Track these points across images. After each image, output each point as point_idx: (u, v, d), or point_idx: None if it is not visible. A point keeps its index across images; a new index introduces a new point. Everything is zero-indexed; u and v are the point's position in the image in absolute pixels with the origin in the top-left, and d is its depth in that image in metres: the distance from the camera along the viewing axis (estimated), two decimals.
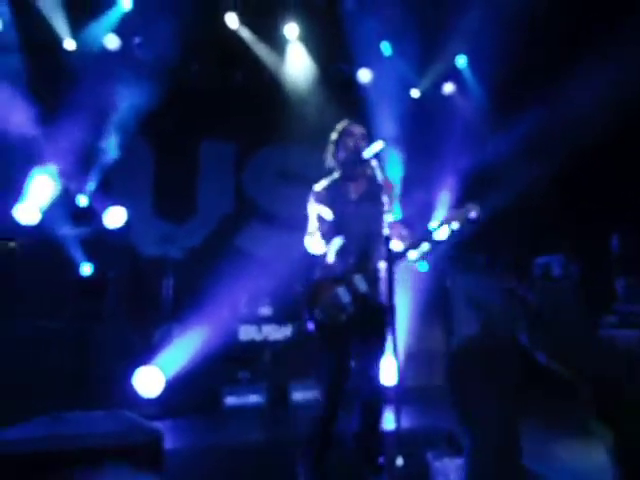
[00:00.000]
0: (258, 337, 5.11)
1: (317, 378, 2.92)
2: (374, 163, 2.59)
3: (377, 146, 2.60)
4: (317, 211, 2.72)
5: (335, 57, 6.17)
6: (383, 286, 2.63)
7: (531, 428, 3.85)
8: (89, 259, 5.14)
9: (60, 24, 5.34)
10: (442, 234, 2.68)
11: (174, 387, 4.54)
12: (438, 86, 6.54)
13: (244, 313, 5.18)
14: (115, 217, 5.44)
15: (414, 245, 2.66)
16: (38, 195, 5.09)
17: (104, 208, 5.42)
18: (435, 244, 2.70)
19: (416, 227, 2.85)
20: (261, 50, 6.00)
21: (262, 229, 6.21)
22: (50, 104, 5.20)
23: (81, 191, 5.39)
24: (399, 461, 2.24)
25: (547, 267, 6.75)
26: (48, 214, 5.08)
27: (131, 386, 4.44)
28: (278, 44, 6.04)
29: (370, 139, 2.77)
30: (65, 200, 5.27)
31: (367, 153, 2.60)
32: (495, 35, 5.13)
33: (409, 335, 5.14)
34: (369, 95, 6.17)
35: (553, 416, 4.13)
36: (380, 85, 6.22)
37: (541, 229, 6.17)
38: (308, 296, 2.63)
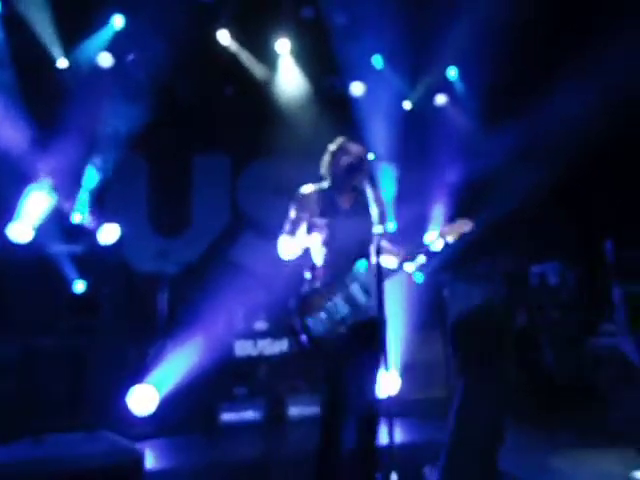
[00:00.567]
0: (254, 352, 5.05)
1: (318, 391, 2.86)
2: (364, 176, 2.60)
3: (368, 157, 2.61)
4: (304, 213, 2.68)
5: (327, 71, 6.22)
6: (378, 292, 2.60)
7: (531, 439, 3.82)
8: (82, 276, 5.12)
9: (53, 43, 5.38)
10: (437, 247, 2.70)
11: (169, 404, 4.48)
12: (430, 98, 6.58)
13: (240, 328, 5.14)
14: (109, 234, 5.42)
15: (410, 258, 2.66)
16: (31, 213, 5.08)
17: (98, 225, 5.41)
18: (430, 257, 2.70)
19: (411, 239, 2.85)
20: (253, 65, 6.05)
21: (257, 243, 6.19)
22: (43, 122, 5.23)
23: (74, 208, 5.38)
24: (394, 477, 2.20)
25: (543, 276, 6.76)
26: (41, 231, 5.07)
27: (125, 404, 4.38)
28: (270, 59, 6.09)
29: (352, 142, 2.78)
30: (58, 217, 5.26)
31: (350, 146, 2.67)
32: (485, 46, 5.18)
33: (406, 347, 5.09)
34: (362, 108, 6.20)
35: (552, 427, 4.09)
36: (372, 98, 6.26)
37: (538, 237, 6.17)
38: (300, 307, 2.58)
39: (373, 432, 2.56)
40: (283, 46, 6.01)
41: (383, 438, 2.56)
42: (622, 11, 4.79)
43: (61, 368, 4.45)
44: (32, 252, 4.95)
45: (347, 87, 6.34)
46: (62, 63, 5.46)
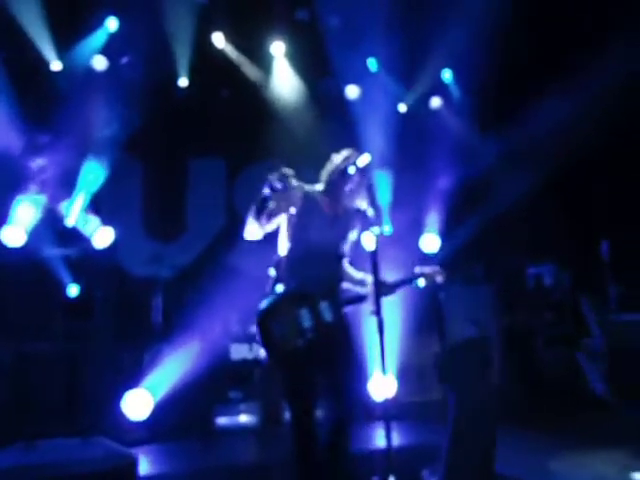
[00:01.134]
0: (249, 355, 5.03)
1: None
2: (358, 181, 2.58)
3: (363, 160, 2.58)
4: (282, 203, 2.61)
5: (322, 74, 6.22)
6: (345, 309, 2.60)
7: (528, 442, 3.81)
8: (76, 280, 5.07)
9: (46, 46, 5.35)
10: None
11: (164, 409, 4.45)
12: (425, 100, 6.60)
13: (235, 331, 5.11)
14: (103, 237, 5.38)
15: (382, 294, 2.52)
16: (24, 216, 5.04)
17: (91, 228, 5.37)
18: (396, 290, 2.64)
19: (407, 246, 2.83)
20: (248, 68, 6.05)
21: (253, 246, 6.15)
22: (37, 125, 5.19)
23: (68, 211, 5.34)
24: None
25: (539, 277, 6.77)
26: (34, 235, 5.03)
27: (120, 409, 4.34)
28: (265, 62, 6.08)
29: (359, 154, 2.73)
30: (51, 220, 5.22)
31: (352, 169, 2.57)
32: (479, 49, 5.19)
33: (402, 350, 5.08)
34: (357, 111, 6.20)
35: (549, 429, 4.08)
36: (367, 101, 6.27)
37: (533, 239, 6.19)
38: (264, 313, 2.50)
39: (341, 436, 2.50)
40: (278, 49, 6.01)
41: (380, 441, 2.54)
42: (618, 14, 4.82)
43: (55, 373, 4.41)
44: (25, 256, 4.91)
45: (342, 90, 6.34)
46: (56, 66, 5.43)
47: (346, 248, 2.71)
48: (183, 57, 5.70)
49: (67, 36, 5.38)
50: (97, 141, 5.47)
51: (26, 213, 5.04)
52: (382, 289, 2.48)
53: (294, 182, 2.61)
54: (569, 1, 5.29)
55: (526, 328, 5.74)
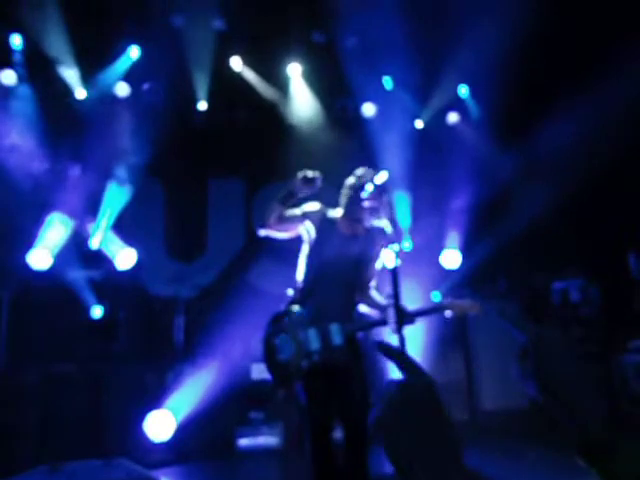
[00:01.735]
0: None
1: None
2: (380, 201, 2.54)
3: (381, 177, 2.56)
4: (305, 219, 2.63)
5: (338, 93, 6.28)
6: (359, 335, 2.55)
7: (560, 466, 3.68)
8: (100, 301, 5.15)
9: (72, 74, 5.54)
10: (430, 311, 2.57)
11: (186, 430, 4.44)
12: (442, 116, 6.59)
13: (256, 351, 5.09)
14: (126, 259, 5.47)
15: (403, 323, 2.45)
16: (51, 240, 5.16)
17: (115, 250, 5.47)
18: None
19: (428, 262, 2.78)
20: (265, 90, 6.14)
21: (272, 265, 6.19)
22: (62, 150, 5.35)
23: (92, 234, 5.45)
24: None
25: (565, 292, 6.59)
26: (60, 258, 5.14)
27: (143, 431, 4.35)
28: (282, 83, 6.18)
29: (375, 171, 2.72)
30: (76, 243, 5.34)
31: (370, 187, 2.54)
32: (495, 63, 5.18)
33: (425, 368, 4.98)
34: (374, 129, 6.23)
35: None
36: (384, 118, 6.29)
37: (559, 253, 6.06)
38: (273, 325, 2.49)
39: (360, 453, 2.42)
40: (295, 70, 6.11)
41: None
42: (636, 29, 4.77)
43: (79, 394, 4.46)
44: (51, 278, 5.01)
45: (359, 108, 6.39)
46: (80, 94, 5.61)
47: (371, 271, 2.63)
48: (202, 81, 5.83)
49: (91, 65, 5.56)
50: (120, 165, 5.60)
51: (53, 236, 5.17)
52: (404, 318, 2.35)
53: (315, 206, 2.62)
54: (584, 16, 5.26)
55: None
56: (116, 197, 5.58)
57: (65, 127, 5.40)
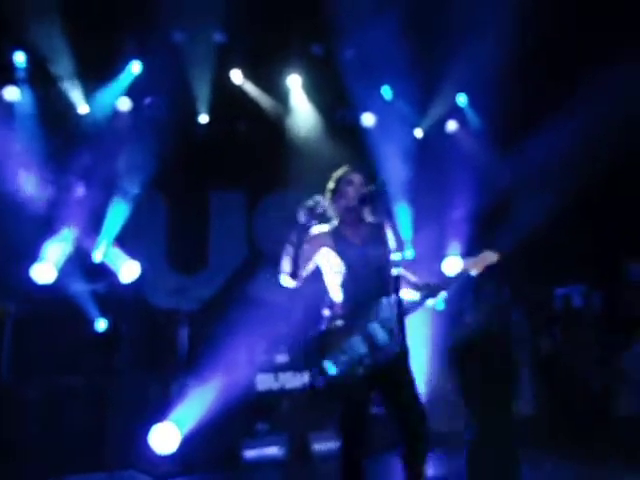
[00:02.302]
0: (275, 386, 4.99)
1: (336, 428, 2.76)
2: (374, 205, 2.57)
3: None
4: (317, 254, 2.62)
5: (338, 104, 6.33)
6: (399, 328, 2.54)
7: (566, 470, 3.66)
8: (103, 314, 5.16)
9: (74, 90, 5.61)
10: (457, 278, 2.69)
11: (191, 442, 4.43)
12: (441, 125, 6.64)
13: (260, 361, 5.09)
14: (129, 272, 5.49)
15: (432, 294, 2.60)
16: (55, 254, 5.18)
17: (118, 263, 5.50)
18: (452, 290, 2.64)
19: (431, 272, 2.82)
20: (265, 102, 6.20)
21: (275, 276, 6.19)
22: (65, 165, 5.40)
23: (95, 248, 5.48)
24: None
25: (568, 298, 6.59)
26: (63, 271, 5.16)
27: (147, 443, 4.34)
28: (282, 95, 6.24)
29: (374, 181, 2.75)
30: (80, 257, 5.36)
31: (348, 180, 2.61)
32: (494, 71, 5.23)
33: (429, 378, 4.97)
34: (374, 139, 6.27)
35: (588, 457, 3.92)
36: (383, 128, 6.34)
37: (561, 260, 6.06)
38: (317, 348, 2.48)
39: (423, 443, 2.40)
40: (295, 82, 6.17)
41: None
42: (635, 35, 4.82)
43: (83, 407, 4.45)
44: (54, 292, 5.03)
45: (358, 118, 6.44)
46: (83, 109, 5.67)
47: (393, 261, 2.55)
48: (203, 95, 5.89)
49: (93, 80, 5.63)
50: (123, 178, 5.65)
51: (56, 250, 5.20)
52: (437, 290, 2.58)
53: (316, 231, 2.62)
54: (581, 23, 5.31)
55: (556, 350, 5.58)
56: (119, 210, 5.62)
57: (68, 142, 5.46)
